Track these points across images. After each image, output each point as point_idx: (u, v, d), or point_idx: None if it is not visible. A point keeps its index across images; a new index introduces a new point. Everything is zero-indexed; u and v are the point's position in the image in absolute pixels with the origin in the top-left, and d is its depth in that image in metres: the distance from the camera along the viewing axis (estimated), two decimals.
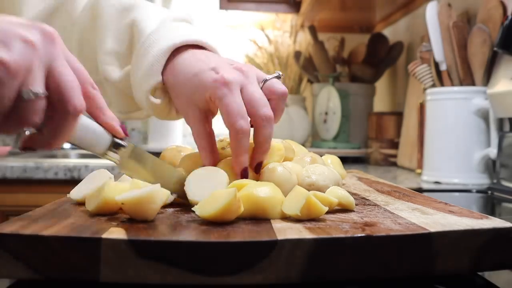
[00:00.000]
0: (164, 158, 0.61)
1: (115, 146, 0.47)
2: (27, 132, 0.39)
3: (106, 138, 0.46)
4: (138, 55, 0.55)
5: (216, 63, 0.51)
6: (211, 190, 0.46)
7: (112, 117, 0.46)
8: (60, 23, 0.61)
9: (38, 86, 0.37)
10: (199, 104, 0.52)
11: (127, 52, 0.59)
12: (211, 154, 0.53)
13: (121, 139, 0.47)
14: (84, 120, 0.44)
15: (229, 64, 0.52)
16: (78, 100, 0.39)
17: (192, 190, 0.49)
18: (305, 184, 0.53)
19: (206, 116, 0.54)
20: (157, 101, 0.56)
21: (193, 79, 0.51)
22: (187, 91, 0.52)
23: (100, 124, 0.46)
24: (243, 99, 0.49)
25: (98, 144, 0.46)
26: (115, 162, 0.47)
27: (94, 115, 0.45)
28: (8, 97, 0.35)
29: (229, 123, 0.49)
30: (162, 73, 0.54)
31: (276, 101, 0.53)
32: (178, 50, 0.54)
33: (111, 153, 0.47)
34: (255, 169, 0.52)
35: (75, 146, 0.45)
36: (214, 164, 0.53)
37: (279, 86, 0.53)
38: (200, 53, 0.54)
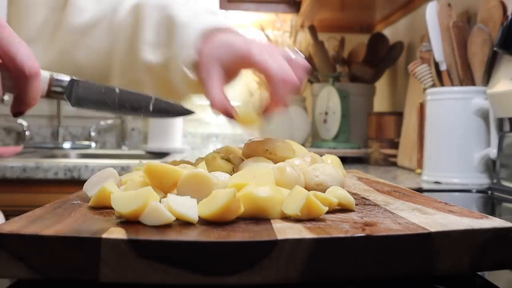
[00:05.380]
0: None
1: (56, 82, 0.49)
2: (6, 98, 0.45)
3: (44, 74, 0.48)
4: (177, 41, 0.64)
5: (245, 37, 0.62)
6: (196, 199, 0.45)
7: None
8: (105, 28, 0.71)
9: None
10: (224, 64, 0.61)
11: (165, 41, 0.67)
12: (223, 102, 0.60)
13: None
14: None
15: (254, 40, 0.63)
16: (30, 59, 0.44)
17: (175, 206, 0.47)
18: (312, 183, 0.53)
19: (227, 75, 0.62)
20: (193, 75, 0.63)
21: (226, 47, 0.60)
22: (215, 57, 0.61)
23: None
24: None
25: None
26: (61, 98, 0.50)
27: None
28: None
29: (265, 70, 0.58)
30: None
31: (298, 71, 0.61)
32: (209, 34, 0.63)
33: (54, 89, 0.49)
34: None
35: None
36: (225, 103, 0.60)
37: (301, 60, 0.62)
38: (228, 33, 0.64)
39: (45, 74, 0.49)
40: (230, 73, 0.62)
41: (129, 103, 0.54)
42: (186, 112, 0.59)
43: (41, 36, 0.70)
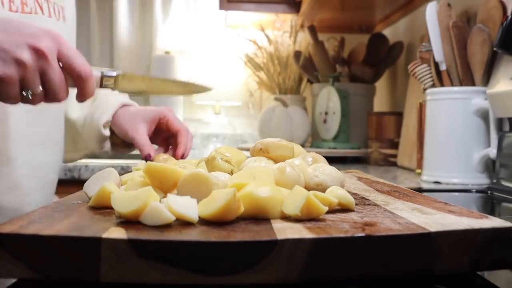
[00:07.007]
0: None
1: (106, 76, 0.66)
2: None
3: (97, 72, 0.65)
4: (98, 107, 0.88)
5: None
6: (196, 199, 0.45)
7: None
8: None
9: (33, 88, 0.56)
10: (148, 120, 0.86)
11: (88, 106, 0.90)
12: (151, 147, 0.85)
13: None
14: None
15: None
16: (84, 67, 0.59)
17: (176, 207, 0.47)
18: (312, 184, 0.53)
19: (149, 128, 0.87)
20: (107, 132, 0.87)
21: (145, 110, 0.87)
22: (139, 116, 0.86)
23: None
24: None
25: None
26: (110, 88, 0.67)
27: None
28: (14, 95, 0.55)
29: (177, 127, 0.88)
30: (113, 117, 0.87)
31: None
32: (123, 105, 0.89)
33: (105, 83, 0.66)
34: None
35: None
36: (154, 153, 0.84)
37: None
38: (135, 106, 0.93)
39: (97, 73, 0.65)
40: (150, 128, 0.85)
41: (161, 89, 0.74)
42: (204, 90, 0.77)
43: None
